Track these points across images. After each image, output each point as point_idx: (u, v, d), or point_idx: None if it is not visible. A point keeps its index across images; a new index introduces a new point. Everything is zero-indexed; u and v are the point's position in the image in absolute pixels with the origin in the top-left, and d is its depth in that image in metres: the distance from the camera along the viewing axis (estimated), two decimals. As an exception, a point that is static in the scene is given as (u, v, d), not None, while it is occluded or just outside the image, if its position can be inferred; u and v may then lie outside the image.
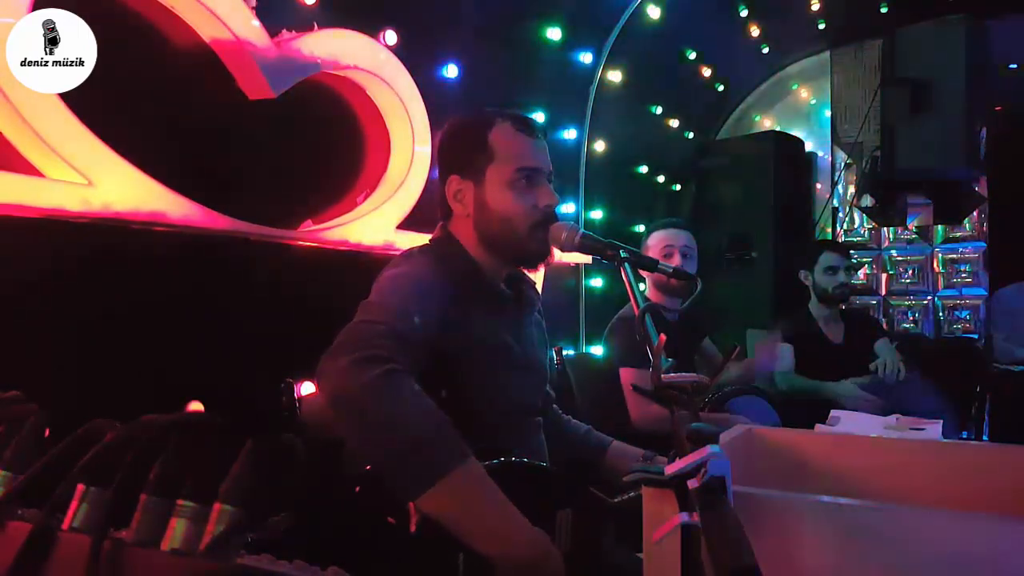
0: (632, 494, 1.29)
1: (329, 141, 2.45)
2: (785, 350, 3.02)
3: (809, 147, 4.97)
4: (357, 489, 1.13)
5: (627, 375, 2.43)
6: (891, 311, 4.71)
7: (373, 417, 1.03)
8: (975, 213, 4.36)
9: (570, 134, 3.67)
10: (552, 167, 1.45)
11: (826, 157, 4.93)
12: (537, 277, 3.10)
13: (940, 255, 4.57)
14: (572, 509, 1.15)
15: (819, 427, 1.91)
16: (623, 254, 1.28)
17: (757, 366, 2.84)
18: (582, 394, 2.65)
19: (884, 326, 4.30)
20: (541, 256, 1.43)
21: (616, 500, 1.28)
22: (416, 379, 1.08)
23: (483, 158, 1.40)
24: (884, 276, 4.74)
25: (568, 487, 1.22)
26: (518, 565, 0.99)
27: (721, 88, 4.84)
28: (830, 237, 4.71)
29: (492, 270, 1.44)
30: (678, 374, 0.92)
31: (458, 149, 1.46)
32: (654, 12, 3.81)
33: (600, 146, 3.83)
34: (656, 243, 2.62)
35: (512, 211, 1.38)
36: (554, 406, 1.63)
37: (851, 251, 3.30)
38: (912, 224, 4.57)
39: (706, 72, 4.61)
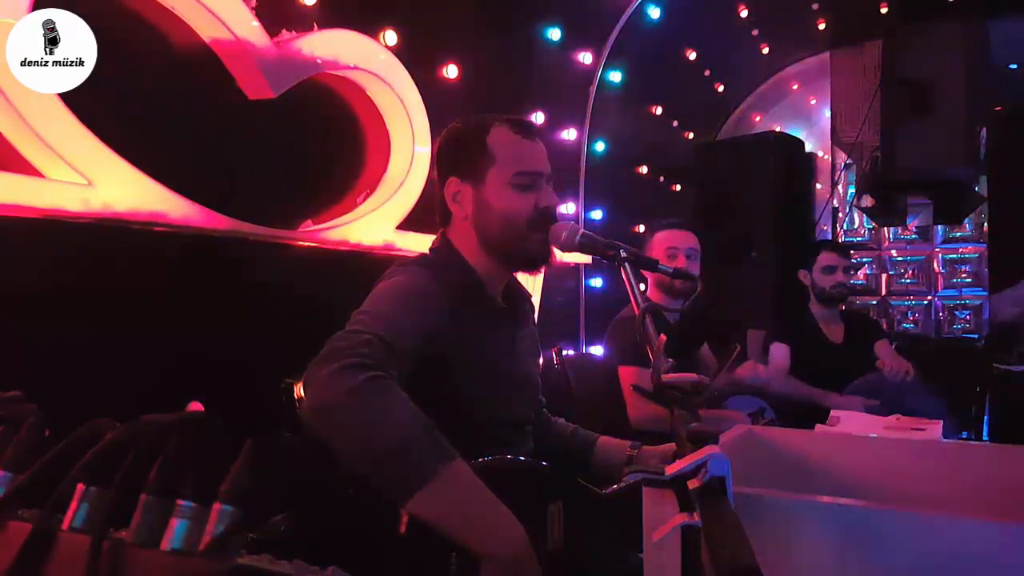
0: (623, 485, 1.30)
1: (329, 141, 2.45)
2: (781, 350, 3.02)
3: (809, 147, 4.97)
4: (351, 491, 1.13)
5: (626, 374, 2.42)
6: (891, 311, 4.71)
7: (356, 423, 1.03)
8: (975, 213, 4.36)
9: (570, 134, 3.67)
10: (551, 170, 1.45)
11: (826, 157, 4.93)
12: (536, 280, 3.13)
13: (940, 255, 4.57)
14: (563, 501, 1.16)
15: (819, 427, 1.91)
16: (623, 254, 1.28)
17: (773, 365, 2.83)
18: (582, 394, 2.65)
19: (884, 326, 4.30)
20: (541, 258, 1.43)
21: (607, 491, 1.28)
22: (401, 387, 1.08)
23: (483, 161, 1.41)
24: (884, 276, 4.74)
25: (558, 481, 1.22)
26: (508, 562, 0.99)
27: (721, 88, 4.84)
28: (830, 237, 4.71)
29: (491, 279, 1.44)
30: (678, 374, 0.92)
31: (457, 152, 1.46)
32: (654, 12, 3.81)
33: (600, 146, 3.83)
34: (659, 244, 2.60)
35: (512, 209, 1.39)
36: (543, 410, 1.64)
37: (851, 252, 3.29)
38: (912, 224, 4.57)
39: (706, 72, 4.61)
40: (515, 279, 1.55)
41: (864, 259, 4.75)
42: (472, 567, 0.99)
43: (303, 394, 1.09)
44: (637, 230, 4.20)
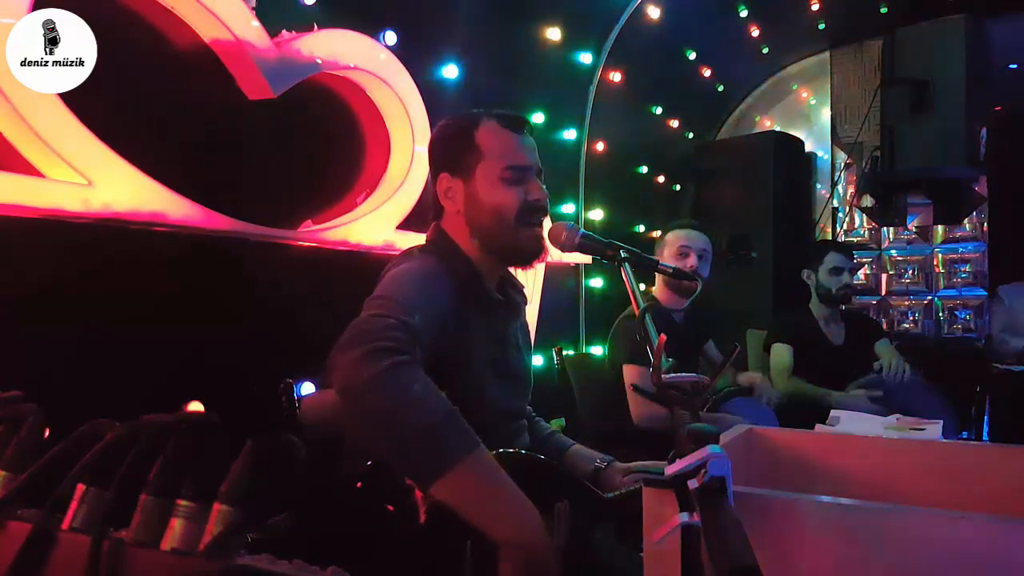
0: (625, 490, 1.30)
1: (329, 141, 2.45)
2: (783, 349, 3.02)
3: (809, 147, 4.97)
4: (359, 484, 1.13)
5: (630, 372, 2.43)
6: (891, 311, 4.71)
7: (385, 407, 1.04)
8: (975, 213, 4.36)
9: (570, 134, 3.67)
10: (541, 164, 1.46)
11: (826, 157, 4.93)
12: (536, 277, 3.13)
13: (940, 255, 4.57)
14: (568, 501, 1.16)
15: (819, 427, 1.91)
16: (623, 254, 1.28)
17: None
18: (582, 394, 2.65)
19: (884, 326, 4.30)
20: (533, 253, 1.43)
21: (610, 495, 1.28)
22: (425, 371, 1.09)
23: (472, 156, 1.42)
24: (884, 276, 4.74)
25: (562, 480, 1.22)
26: (528, 549, 0.99)
27: (721, 88, 4.84)
28: (830, 237, 4.72)
29: (486, 271, 1.45)
30: (678, 374, 0.92)
31: (447, 148, 1.47)
32: (654, 12, 3.81)
33: (600, 146, 3.83)
34: (672, 243, 2.62)
35: (501, 203, 1.40)
36: (528, 407, 1.64)
37: (854, 252, 3.30)
38: (912, 224, 4.57)
39: (706, 72, 4.61)
40: (508, 271, 1.55)
41: (864, 259, 4.75)
42: (487, 554, 0.99)
43: (328, 377, 1.09)
44: (636, 230, 4.20)
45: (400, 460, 1.04)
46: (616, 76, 3.80)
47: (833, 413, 2.15)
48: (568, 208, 3.70)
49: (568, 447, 1.59)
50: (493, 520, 1.00)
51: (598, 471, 1.50)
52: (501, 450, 1.15)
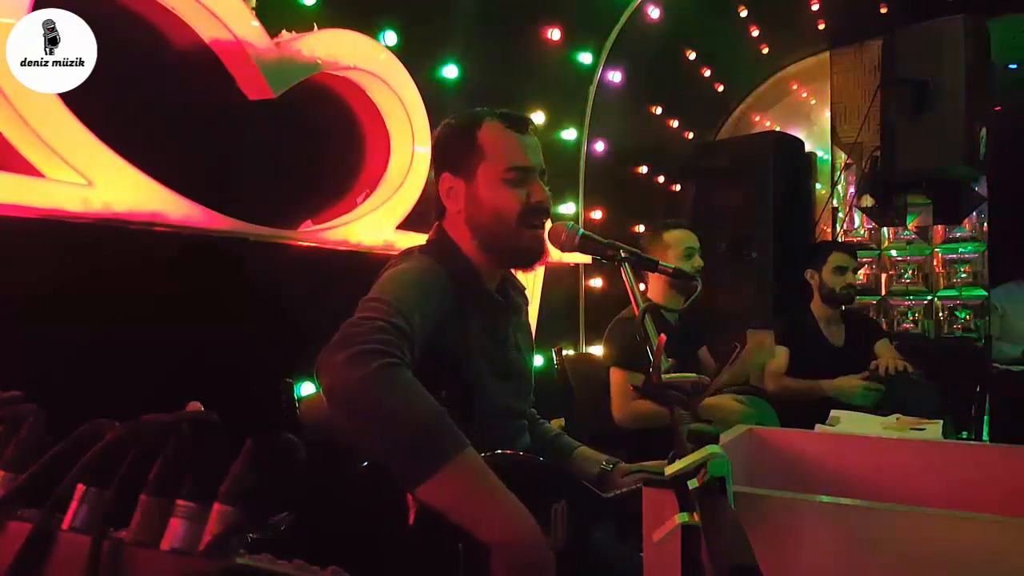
0: (625, 490, 1.30)
1: (329, 141, 2.45)
2: (779, 351, 3.01)
3: (809, 147, 4.97)
4: (359, 484, 1.13)
5: (616, 375, 2.46)
6: (891, 311, 4.71)
7: (372, 410, 1.04)
8: (975, 213, 4.36)
9: (570, 134, 3.67)
10: (544, 164, 1.45)
11: (826, 157, 4.92)
12: (536, 277, 3.13)
13: (940, 255, 4.57)
14: (567, 502, 1.16)
15: (819, 427, 1.92)
16: (623, 254, 1.28)
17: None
18: (582, 394, 2.65)
19: (884, 326, 4.30)
20: (535, 254, 1.43)
21: (609, 495, 1.28)
22: (413, 373, 1.09)
23: (474, 157, 1.41)
24: (884, 276, 4.74)
25: (561, 480, 1.22)
26: (518, 550, 0.99)
27: (721, 88, 4.84)
28: (830, 237, 4.71)
29: (487, 272, 1.45)
30: (678, 374, 0.92)
31: (449, 148, 1.47)
32: (654, 12, 3.82)
33: (600, 146, 3.83)
34: (676, 243, 2.63)
35: (503, 205, 1.39)
36: (531, 409, 1.64)
37: (856, 252, 3.30)
38: (912, 224, 4.57)
39: (706, 72, 4.61)
40: (510, 271, 1.55)
41: (864, 259, 4.74)
42: (479, 556, 0.99)
43: (316, 379, 1.09)
44: (636, 230, 4.20)
45: (388, 462, 1.03)
46: (616, 76, 3.80)
47: (833, 413, 2.15)
48: (568, 208, 3.70)
49: (574, 449, 1.59)
50: (482, 522, 1.00)
51: (604, 473, 1.49)
52: (499, 451, 1.14)
